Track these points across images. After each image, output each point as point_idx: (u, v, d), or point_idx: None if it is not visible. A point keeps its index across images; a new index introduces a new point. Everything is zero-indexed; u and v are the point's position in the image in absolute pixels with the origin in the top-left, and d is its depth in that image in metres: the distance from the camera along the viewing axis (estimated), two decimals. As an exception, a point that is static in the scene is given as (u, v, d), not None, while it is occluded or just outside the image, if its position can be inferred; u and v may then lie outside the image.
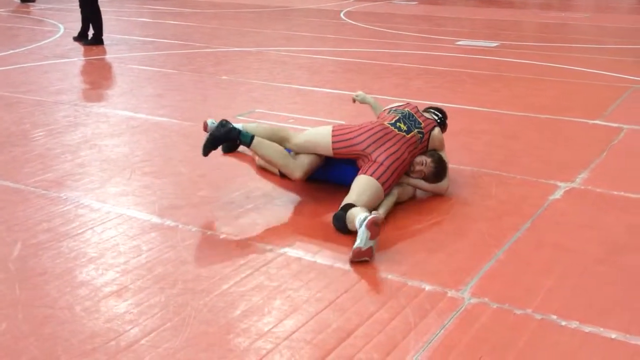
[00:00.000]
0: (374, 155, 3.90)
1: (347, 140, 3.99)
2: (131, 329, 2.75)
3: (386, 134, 3.99)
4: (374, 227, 3.27)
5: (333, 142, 4.01)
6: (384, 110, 4.38)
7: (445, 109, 4.61)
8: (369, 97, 4.75)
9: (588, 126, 5.70)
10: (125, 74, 7.86)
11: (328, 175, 4.26)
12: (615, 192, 4.24)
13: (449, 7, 15.26)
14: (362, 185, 3.77)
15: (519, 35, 11.00)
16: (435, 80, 7.48)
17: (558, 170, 4.61)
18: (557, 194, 4.20)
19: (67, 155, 4.88)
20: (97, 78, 7.91)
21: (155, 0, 16.19)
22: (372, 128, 4.02)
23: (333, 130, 4.06)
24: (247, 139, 3.99)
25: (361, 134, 3.99)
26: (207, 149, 4.03)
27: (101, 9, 9.69)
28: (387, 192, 3.87)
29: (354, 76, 7.74)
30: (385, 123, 4.07)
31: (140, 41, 10.07)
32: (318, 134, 4.10)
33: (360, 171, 3.89)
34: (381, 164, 3.85)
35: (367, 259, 3.30)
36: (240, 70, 7.97)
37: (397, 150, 3.94)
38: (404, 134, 4.03)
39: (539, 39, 10.71)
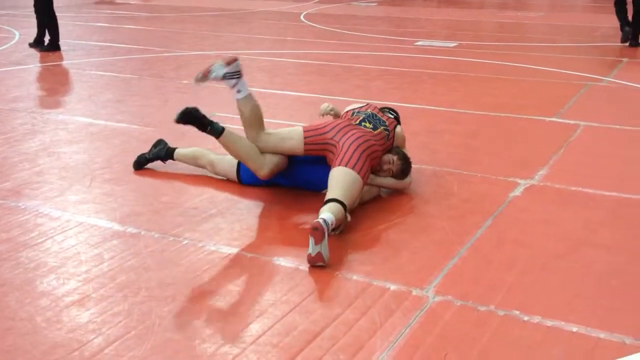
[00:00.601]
0: (340, 143, 3.94)
1: (317, 129, 4.06)
2: (94, 338, 2.71)
3: (350, 124, 4.09)
4: (315, 232, 3.26)
5: (305, 132, 4.05)
6: (347, 111, 4.40)
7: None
8: (336, 108, 4.71)
9: (545, 123, 5.80)
10: (83, 80, 7.75)
11: (293, 180, 4.26)
12: (574, 188, 4.32)
13: (408, 8, 15.39)
14: (335, 177, 3.76)
15: (476, 35, 11.15)
16: (396, 81, 7.54)
17: (517, 167, 4.68)
18: (517, 191, 4.27)
19: (25, 163, 4.80)
20: (55, 85, 7.78)
21: (112, 4, 16.00)
22: (339, 122, 4.12)
23: (303, 126, 4.13)
24: (217, 130, 3.95)
25: (328, 124, 4.10)
26: (180, 119, 3.91)
27: (58, 14, 9.54)
28: (365, 177, 3.85)
29: (314, 78, 7.76)
30: (352, 123, 4.13)
31: (98, 46, 9.94)
32: (289, 129, 4.17)
33: (332, 167, 3.90)
34: (347, 150, 3.88)
35: (321, 263, 3.28)
36: (200, 74, 7.91)
37: (362, 136, 3.99)
38: (371, 130, 4.09)
39: (496, 39, 10.87)
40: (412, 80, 7.61)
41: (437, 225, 3.81)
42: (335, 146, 3.95)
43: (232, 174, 4.37)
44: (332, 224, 3.41)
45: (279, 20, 13.03)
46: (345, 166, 3.79)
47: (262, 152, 4.09)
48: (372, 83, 7.43)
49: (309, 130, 4.07)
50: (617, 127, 5.66)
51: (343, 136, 3.97)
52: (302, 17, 13.47)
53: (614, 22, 12.24)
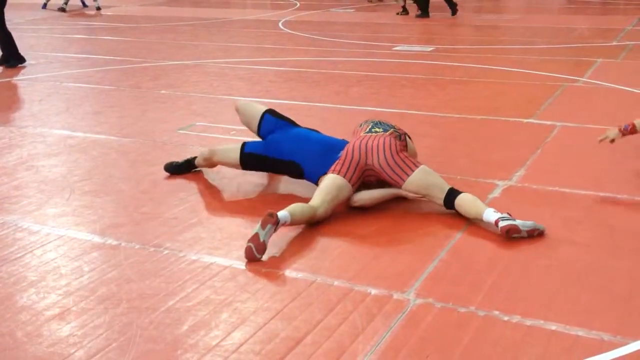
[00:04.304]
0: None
1: (340, 162, 4.09)
2: (75, 351, 2.70)
3: (360, 136, 4.22)
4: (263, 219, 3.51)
5: (340, 174, 4.05)
6: (356, 129, 4.51)
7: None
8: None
9: (522, 125, 5.86)
10: (60, 92, 7.71)
11: (269, 151, 4.38)
12: (551, 188, 4.37)
13: (385, 14, 15.46)
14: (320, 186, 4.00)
15: (453, 39, 11.22)
16: (375, 86, 7.57)
17: (496, 169, 4.72)
18: (496, 192, 4.30)
19: (2, 177, 4.76)
20: (32, 97, 7.72)
21: (89, 16, 15.93)
22: (352, 144, 4.17)
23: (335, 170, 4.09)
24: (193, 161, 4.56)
25: (344, 155, 4.11)
26: (170, 171, 4.74)
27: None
28: (340, 172, 4.00)
29: (294, 85, 7.77)
30: (361, 134, 4.23)
31: (75, 58, 9.89)
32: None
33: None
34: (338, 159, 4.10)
35: (250, 244, 3.40)
36: (179, 84, 7.91)
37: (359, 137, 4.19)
38: (382, 132, 4.19)
39: (472, 42, 10.95)
40: (390, 85, 7.65)
41: (417, 228, 3.84)
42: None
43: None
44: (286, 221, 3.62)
45: (257, 29, 13.04)
46: (332, 172, 3.99)
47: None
48: (351, 89, 7.46)
49: (339, 170, 4.03)
50: (593, 126, 5.71)
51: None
52: (280, 24, 13.50)
53: (589, 23, 12.39)
